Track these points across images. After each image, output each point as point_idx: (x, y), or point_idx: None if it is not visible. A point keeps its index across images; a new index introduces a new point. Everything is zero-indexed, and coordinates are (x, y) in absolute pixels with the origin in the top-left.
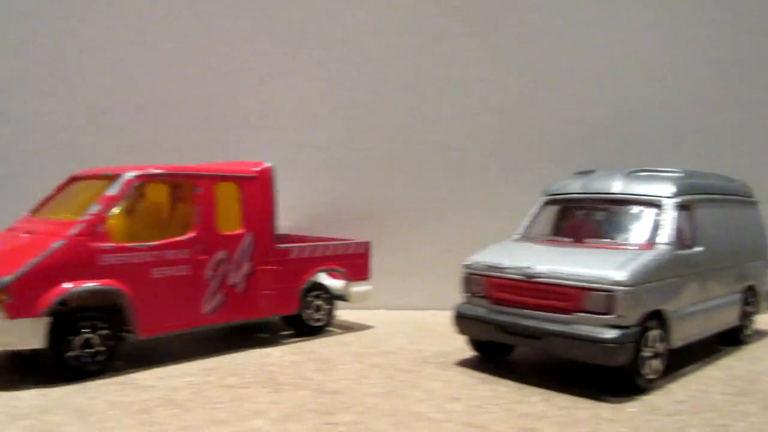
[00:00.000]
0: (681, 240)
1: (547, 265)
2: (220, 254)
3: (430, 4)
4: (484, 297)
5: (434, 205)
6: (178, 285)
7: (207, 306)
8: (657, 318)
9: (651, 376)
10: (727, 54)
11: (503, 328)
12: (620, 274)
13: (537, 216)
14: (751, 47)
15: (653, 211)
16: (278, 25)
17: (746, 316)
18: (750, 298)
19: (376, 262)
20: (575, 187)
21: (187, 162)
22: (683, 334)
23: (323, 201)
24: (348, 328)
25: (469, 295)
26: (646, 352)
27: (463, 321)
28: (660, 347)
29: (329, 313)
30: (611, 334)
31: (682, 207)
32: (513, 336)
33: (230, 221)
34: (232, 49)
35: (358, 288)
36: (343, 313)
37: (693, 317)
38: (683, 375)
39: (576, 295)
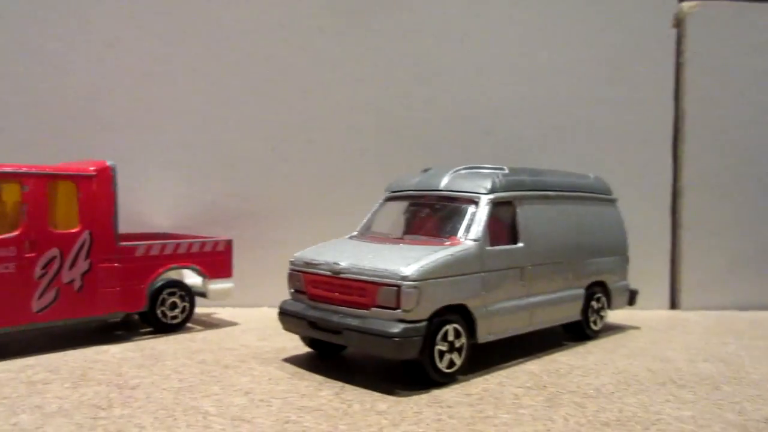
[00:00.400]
0: (496, 236)
1: (352, 260)
2: (52, 252)
3: (306, 3)
4: (303, 293)
5: (314, 203)
6: (1, 283)
7: (37, 304)
8: (460, 312)
9: (448, 370)
10: (602, 53)
11: (313, 323)
12: (407, 270)
13: (376, 213)
14: (626, 47)
15: (469, 207)
16: (156, 23)
17: (593, 312)
18: (599, 294)
19: (258, 260)
20: (411, 184)
21: (64, 161)
22: (494, 328)
23: (205, 200)
24: (212, 325)
25: (293, 291)
26: (442, 346)
27: (285, 317)
28: (459, 341)
29: (186, 310)
30: (396, 328)
31: (499, 204)
32: (321, 331)
33: (67, 219)
34: (111, 49)
35: (217, 285)
36: (222, 311)
37: (509, 312)
38: (499, 368)
39: (371, 290)
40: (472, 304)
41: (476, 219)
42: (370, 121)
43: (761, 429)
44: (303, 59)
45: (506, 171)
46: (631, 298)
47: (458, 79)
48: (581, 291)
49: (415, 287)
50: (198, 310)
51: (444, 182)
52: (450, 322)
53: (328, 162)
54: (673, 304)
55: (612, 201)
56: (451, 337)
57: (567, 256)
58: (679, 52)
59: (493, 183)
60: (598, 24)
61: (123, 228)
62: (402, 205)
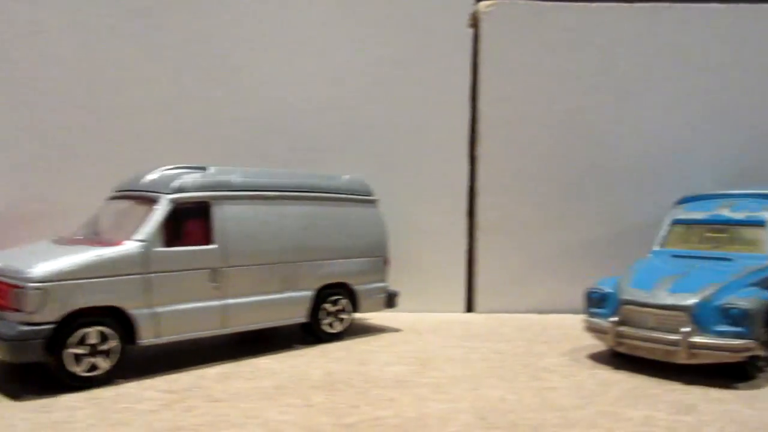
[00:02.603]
0: (184, 236)
1: (5, 261)
2: None
3: (99, 3)
4: None
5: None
6: None
7: None
8: (115, 314)
9: (88, 374)
10: (399, 53)
11: None
12: (33, 270)
13: (97, 213)
14: (423, 46)
15: (150, 207)
16: None
17: (328, 314)
18: (338, 296)
19: None
20: (122, 183)
21: None
22: (165, 331)
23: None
24: None
25: None
26: (78, 349)
27: None
28: (108, 345)
29: None
30: (11, 331)
31: (188, 204)
32: None
33: None
34: None
35: None
36: None
37: (189, 314)
38: (182, 370)
39: (5, 291)
40: (129, 306)
41: (150, 219)
42: (164, 122)
43: None
44: (94, 59)
45: (211, 170)
46: (390, 300)
47: (253, 80)
48: (309, 293)
49: (38, 288)
50: None
51: (141, 181)
52: (95, 324)
53: (122, 163)
54: (470, 307)
55: (370, 202)
56: (93, 340)
57: (286, 258)
58: (475, 52)
59: (182, 183)
60: (395, 23)
61: None
62: (120, 204)
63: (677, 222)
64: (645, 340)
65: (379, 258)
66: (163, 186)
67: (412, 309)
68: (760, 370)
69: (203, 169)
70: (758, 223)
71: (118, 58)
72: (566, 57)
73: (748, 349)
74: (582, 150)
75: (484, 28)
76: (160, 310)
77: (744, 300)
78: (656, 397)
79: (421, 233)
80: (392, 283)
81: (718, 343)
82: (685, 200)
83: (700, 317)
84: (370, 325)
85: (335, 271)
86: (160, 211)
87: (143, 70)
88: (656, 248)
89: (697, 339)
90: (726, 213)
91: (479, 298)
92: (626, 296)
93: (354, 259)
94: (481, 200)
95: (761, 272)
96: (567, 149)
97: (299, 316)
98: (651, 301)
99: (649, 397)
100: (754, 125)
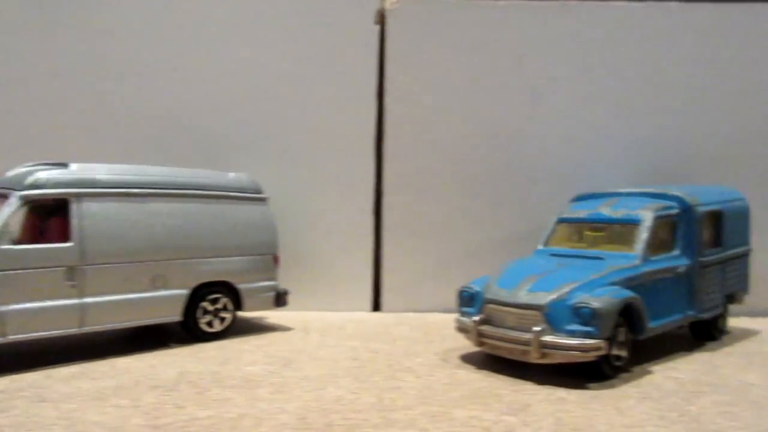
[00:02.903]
0: (37, 233)
1: None
2: None
3: None
4: None
5: None
6: None
7: None
8: None
9: None
10: (304, 50)
11: None
12: None
13: None
14: (329, 43)
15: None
16: None
17: (206, 313)
18: (217, 295)
19: None
20: None
21: None
22: (11, 329)
23: None
24: None
25: None
26: None
27: None
28: None
29: None
30: None
31: (44, 201)
32: None
33: None
34: None
35: None
36: None
37: (39, 313)
38: (42, 368)
39: None
40: None
41: None
42: (62, 120)
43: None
44: None
45: (73, 167)
46: (279, 299)
47: (155, 77)
48: (183, 291)
49: None
50: None
51: (1, 178)
52: None
53: (17, 161)
54: (377, 306)
55: (259, 200)
56: None
57: (155, 256)
58: (382, 50)
59: (35, 180)
60: (300, 19)
61: None
62: None
63: (562, 220)
64: (504, 340)
65: (266, 256)
66: (16, 183)
67: (320, 308)
68: (622, 369)
69: (65, 165)
70: (633, 222)
71: (14, 52)
72: (474, 55)
73: (597, 349)
74: (490, 149)
75: (391, 25)
76: (4, 308)
77: (595, 299)
78: (498, 398)
79: (328, 232)
80: (298, 283)
81: (568, 342)
82: (576, 198)
83: (553, 316)
84: (262, 324)
85: (214, 269)
86: (7, 209)
87: (40, 65)
88: (539, 247)
89: (548, 338)
90: (605, 211)
91: (386, 297)
92: (489, 295)
93: (237, 257)
94: (387, 199)
95: (626, 271)
96: (475, 148)
97: (172, 314)
98: (510, 300)
99: (491, 398)
100: (663, 124)
